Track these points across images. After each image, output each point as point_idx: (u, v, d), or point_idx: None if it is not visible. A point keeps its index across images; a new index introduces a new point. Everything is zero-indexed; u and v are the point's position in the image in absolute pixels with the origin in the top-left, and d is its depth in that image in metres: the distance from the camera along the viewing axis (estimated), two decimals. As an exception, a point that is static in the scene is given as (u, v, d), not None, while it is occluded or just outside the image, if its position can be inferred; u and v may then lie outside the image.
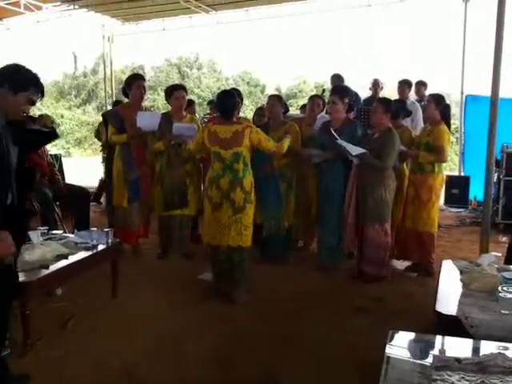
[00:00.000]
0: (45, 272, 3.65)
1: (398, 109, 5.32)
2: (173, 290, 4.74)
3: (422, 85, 8.09)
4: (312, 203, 5.69)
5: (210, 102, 9.42)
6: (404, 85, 7.65)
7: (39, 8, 10.83)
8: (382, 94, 7.88)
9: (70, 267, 3.89)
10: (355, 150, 4.95)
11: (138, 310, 4.29)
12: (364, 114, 6.24)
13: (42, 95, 3.00)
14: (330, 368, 3.35)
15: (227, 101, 4.64)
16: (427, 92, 7.62)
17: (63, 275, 3.87)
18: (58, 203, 6.33)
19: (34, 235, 4.13)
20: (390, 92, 9.31)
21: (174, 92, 5.73)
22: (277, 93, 22.44)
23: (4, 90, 2.81)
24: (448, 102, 5.52)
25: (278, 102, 5.71)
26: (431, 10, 38.82)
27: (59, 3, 10.67)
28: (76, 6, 10.58)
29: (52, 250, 3.96)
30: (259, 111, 6.88)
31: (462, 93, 9.96)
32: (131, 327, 3.94)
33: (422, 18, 38.92)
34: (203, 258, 5.05)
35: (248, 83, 28.30)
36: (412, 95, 7.94)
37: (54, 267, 3.74)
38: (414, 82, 7.93)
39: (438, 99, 5.25)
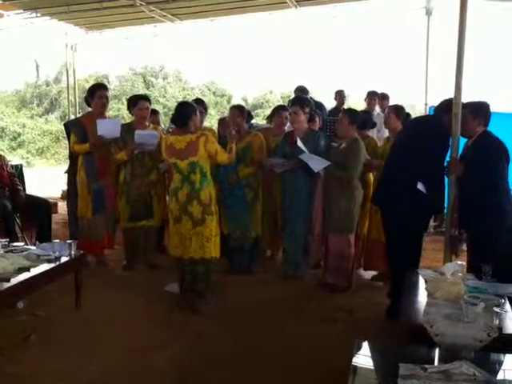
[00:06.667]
0: (6, 285, 3.57)
1: (364, 120, 5.35)
2: (138, 302, 4.67)
3: (384, 97, 8.18)
4: (279, 212, 5.68)
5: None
6: (373, 96, 7.72)
7: (0, 16, 10.63)
8: (347, 104, 7.96)
9: (32, 280, 3.81)
10: (318, 166, 4.98)
11: (102, 323, 4.20)
12: (330, 124, 6.28)
13: None
14: (296, 379, 3.34)
15: (181, 110, 4.59)
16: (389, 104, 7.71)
17: (25, 288, 3.78)
18: (18, 215, 6.19)
19: (-5, 247, 4.04)
20: (354, 103, 9.42)
21: (137, 102, 5.66)
22: (243, 103, 22.47)
23: None
24: (413, 113, 5.59)
25: (239, 113, 5.64)
26: (394, 22, 39.61)
27: (21, 11, 10.48)
28: (38, 14, 10.41)
29: (13, 263, 3.88)
30: (222, 122, 6.84)
31: (426, 104, 10.06)
32: (95, 341, 3.85)
33: (386, 30, 39.57)
34: (169, 269, 4.99)
35: (214, 93, 28.30)
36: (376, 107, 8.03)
37: (15, 280, 3.66)
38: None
39: (398, 110, 5.27)
